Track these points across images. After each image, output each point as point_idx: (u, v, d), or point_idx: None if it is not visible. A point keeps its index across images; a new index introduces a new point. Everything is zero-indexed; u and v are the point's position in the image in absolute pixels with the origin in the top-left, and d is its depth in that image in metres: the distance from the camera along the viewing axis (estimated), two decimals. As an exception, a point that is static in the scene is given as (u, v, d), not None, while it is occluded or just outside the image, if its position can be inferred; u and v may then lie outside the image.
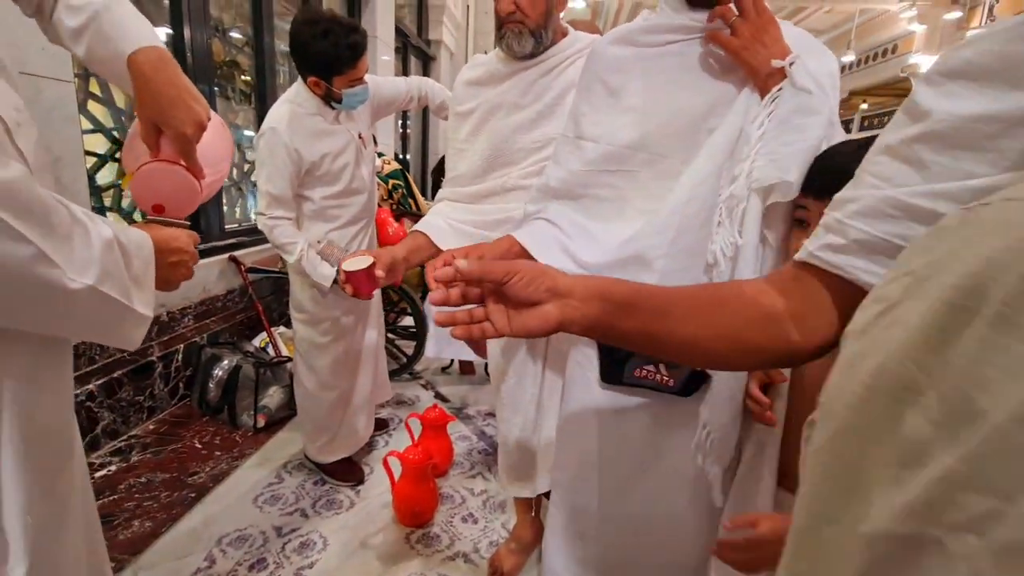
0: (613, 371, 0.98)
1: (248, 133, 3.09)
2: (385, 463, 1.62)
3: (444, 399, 2.54)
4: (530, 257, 0.99)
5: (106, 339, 0.59)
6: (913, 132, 0.38)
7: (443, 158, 4.88)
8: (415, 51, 5.46)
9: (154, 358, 2.11)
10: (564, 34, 1.21)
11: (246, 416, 2.13)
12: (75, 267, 0.50)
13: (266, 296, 2.81)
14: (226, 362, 2.19)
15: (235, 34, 2.96)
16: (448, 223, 1.23)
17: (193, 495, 1.69)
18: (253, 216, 3.01)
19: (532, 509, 1.46)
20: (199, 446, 1.98)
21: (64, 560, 0.61)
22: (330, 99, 1.58)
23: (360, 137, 1.74)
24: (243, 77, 3.07)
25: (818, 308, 0.46)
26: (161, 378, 2.16)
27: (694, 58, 0.89)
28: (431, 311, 2.51)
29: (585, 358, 1.02)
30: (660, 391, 0.93)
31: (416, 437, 1.89)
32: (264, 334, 2.50)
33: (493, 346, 1.33)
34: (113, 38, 0.66)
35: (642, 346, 0.54)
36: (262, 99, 3.00)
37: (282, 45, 3.15)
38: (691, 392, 0.91)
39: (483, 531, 1.63)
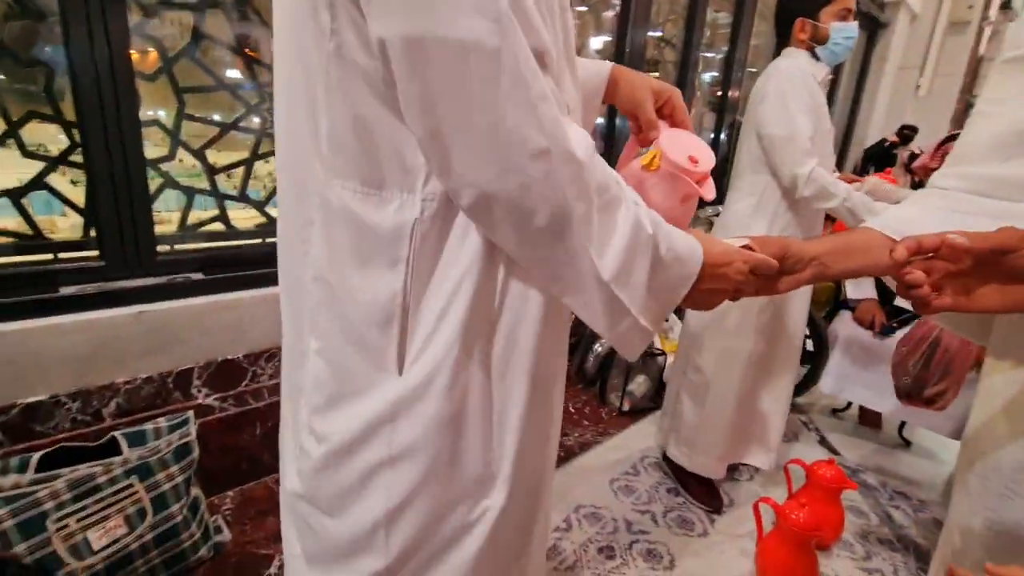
0: None
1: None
2: (756, 510, 1.37)
3: (833, 451, 2.04)
4: None
5: (598, 326, 0.57)
6: None
7: (880, 142, 3.88)
8: (862, 18, 4.51)
9: (552, 322, 2.43)
10: None
11: (614, 396, 2.22)
12: (603, 254, 0.50)
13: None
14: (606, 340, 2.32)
15: (655, 32, 3.07)
16: (924, 213, 0.82)
17: (562, 454, 1.86)
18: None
19: None
20: (572, 411, 2.18)
21: (543, 491, 0.68)
22: (816, 41, 1.45)
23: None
24: (653, 74, 3.17)
25: None
26: (554, 340, 2.47)
27: None
28: (838, 336, 2.02)
29: None
30: None
31: (794, 487, 1.55)
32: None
33: (988, 399, 0.88)
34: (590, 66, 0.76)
35: None
36: (681, 89, 3.02)
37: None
38: None
39: (879, 657, 1.20)
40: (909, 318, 2.00)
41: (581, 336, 2.47)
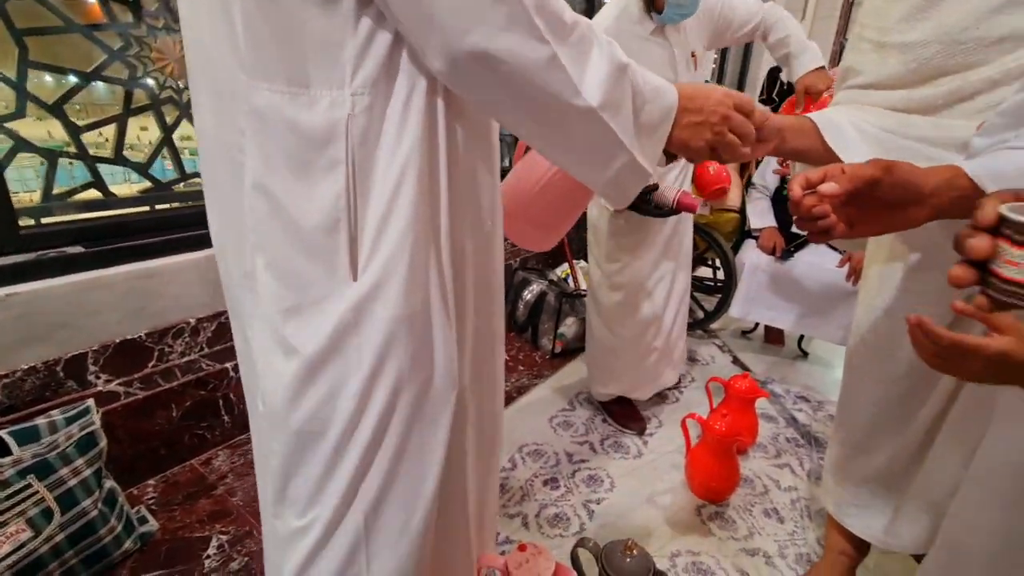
0: None
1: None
2: (683, 425, 1.48)
3: (744, 367, 2.24)
4: None
5: (595, 174, 0.59)
6: None
7: (772, 81, 4.03)
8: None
9: (480, 274, 2.41)
10: None
11: (546, 340, 2.28)
12: (584, 83, 0.50)
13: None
14: (534, 287, 2.36)
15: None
16: (853, 124, 0.82)
17: (501, 400, 1.89)
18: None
19: (852, 553, 1.13)
20: (507, 358, 2.21)
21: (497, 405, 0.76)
22: (651, 8, 1.39)
23: (693, 56, 1.51)
24: None
25: None
26: (483, 292, 2.47)
27: None
28: (745, 265, 2.19)
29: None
30: None
31: (714, 403, 1.69)
32: (566, 265, 2.60)
33: (868, 313, 0.99)
34: None
35: None
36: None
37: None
38: None
39: (791, 536, 1.36)
40: (803, 242, 2.19)
41: (510, 286, 2.49)
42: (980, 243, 0.44)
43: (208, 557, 1.16)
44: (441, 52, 0.46)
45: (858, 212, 0.57)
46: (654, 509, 1.43)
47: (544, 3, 0.47)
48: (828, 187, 0.55)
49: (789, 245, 2.17)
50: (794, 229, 2.20)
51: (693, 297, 2.52)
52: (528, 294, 2.36)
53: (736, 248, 2.39)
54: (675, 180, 1.62)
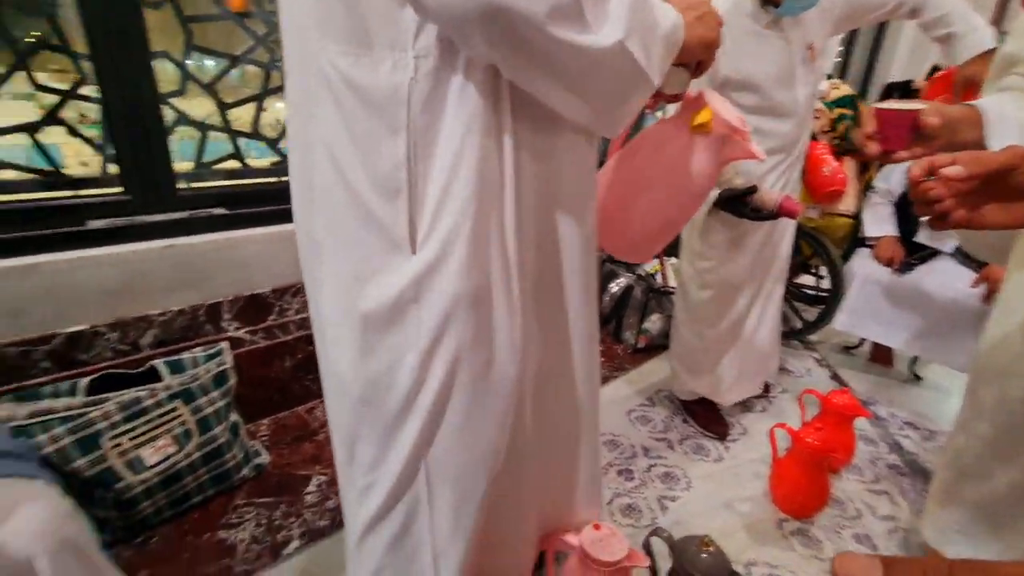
0: None
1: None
2: (771, 434, 1.42)
3: (843, 383, 2.08)
4: None
5: (609, 115, 0.56)
6: None
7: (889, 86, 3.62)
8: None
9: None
10: None
11: (629, 334, 2.25)
12: (608, 21, 0.47)
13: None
14: (622, 280, 2.34)
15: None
16: (1018, 120, 0.72)
17: (580, 388, 1.91)
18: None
19: None
20: (588, 348, 2.22)
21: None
22: (767, 1, 1.30)
23: (810, 49, 1.40)
24: None
25: None
26: (568, 281, 2.48)
27: None
28: (856, 274, 2.02)
29: None
30: None
31: (806, 416, 1.60)
32: (656, 261, 2.55)
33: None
34: None
35: None
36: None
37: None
38: None
39: (884, 566, 1.26)
40: (928, 254, 1.99)
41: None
42: None
43: (309, 493, 1.29)
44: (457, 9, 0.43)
45: (988, 201, 0.54)
46: (732, 515, 1.39)
47: None
48: (953, 170, 0.52)
49: (911, 257, 1.98)
50: (917, 239, 2.00)
51: (792, 306, 2.38)
52: (615, 287, 2.35)
53: (847, 257, 2.21)
54: (776, 181, 1.52)
